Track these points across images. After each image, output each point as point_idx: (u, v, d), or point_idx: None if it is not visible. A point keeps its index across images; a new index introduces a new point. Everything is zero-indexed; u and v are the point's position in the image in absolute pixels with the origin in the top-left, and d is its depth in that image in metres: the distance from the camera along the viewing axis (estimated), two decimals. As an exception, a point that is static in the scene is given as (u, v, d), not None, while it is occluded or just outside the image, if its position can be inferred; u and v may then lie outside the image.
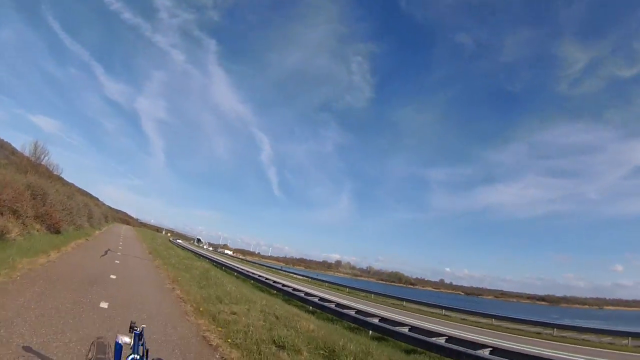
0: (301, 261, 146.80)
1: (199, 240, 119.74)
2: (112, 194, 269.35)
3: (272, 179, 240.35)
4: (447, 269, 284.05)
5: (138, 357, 2.54)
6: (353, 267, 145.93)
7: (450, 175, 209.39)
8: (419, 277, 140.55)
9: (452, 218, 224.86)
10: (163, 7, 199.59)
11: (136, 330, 2.84)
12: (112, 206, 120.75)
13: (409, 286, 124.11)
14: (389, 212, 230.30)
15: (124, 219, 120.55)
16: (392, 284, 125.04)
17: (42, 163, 39.90)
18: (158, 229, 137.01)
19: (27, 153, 38.62)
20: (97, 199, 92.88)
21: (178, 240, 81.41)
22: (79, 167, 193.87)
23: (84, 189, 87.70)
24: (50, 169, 41.79)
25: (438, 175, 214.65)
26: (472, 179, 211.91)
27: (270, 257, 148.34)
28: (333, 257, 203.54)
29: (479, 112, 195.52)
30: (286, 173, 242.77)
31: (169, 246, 42.16)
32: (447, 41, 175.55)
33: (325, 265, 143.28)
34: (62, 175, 51.89)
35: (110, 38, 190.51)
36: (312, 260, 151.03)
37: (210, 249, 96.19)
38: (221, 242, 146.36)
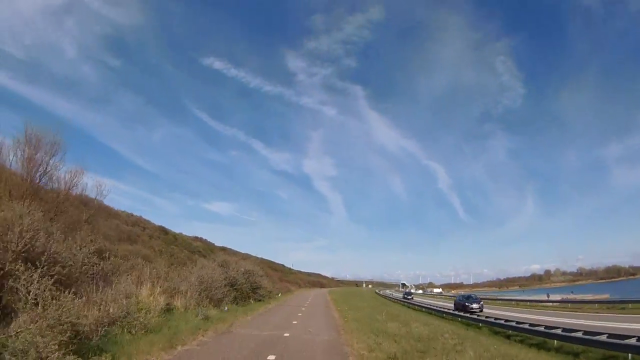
0: (511, 281, 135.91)
1: (404, 284, 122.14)
2: (302, 258, 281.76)
3: (455, 204, 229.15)
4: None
5: None
6: (564, 273, 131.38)
7: (625, 149, 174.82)
8: (632, 266, 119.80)
9: (636, 194, 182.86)
10: (299, 69, 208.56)
11: None
12: (303, 270, 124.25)
13: (630, 277, 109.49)
14: (573, 207, 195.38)
15: (317, 281, 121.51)
16: (613, 280, 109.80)
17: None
18: (357, 284, 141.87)
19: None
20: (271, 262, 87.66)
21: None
22: (263, 239, 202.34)
23: (267, 259, 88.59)
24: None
25: (614, 152, 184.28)
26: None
27: (474, 285, 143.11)
28: (532, 268, 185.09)
29: (630, 72, 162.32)
30: (468, 194, 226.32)
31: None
32: (575, 9, 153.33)
33: (536, 278, 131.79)
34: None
35: (259, 113, 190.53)
36: (520, 277, 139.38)
37: (420, 291, 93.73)
38: (421, 282, 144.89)
